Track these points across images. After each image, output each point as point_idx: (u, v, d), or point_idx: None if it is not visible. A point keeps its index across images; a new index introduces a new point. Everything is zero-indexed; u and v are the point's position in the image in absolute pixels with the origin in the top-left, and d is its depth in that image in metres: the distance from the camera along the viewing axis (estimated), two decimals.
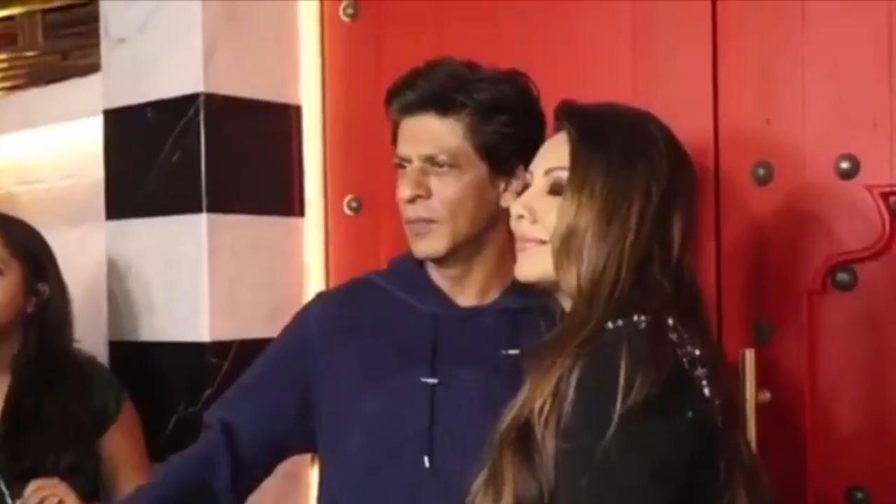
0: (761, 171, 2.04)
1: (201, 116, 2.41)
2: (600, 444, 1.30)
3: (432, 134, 1.71)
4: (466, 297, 1.79)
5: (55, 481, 2.01)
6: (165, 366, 2.48)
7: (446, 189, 1.71)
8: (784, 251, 2.03)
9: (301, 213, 2.59)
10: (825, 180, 1.99)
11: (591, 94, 2.14)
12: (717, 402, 1.40)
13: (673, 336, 1.38)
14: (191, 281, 2.43)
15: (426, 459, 1.70)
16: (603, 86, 2.19)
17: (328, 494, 1.83)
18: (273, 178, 2.54)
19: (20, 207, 3.04)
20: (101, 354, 2.57)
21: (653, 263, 1.44)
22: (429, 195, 1.71)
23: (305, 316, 1.89)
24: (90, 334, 2.66)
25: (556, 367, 1.38)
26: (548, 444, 1.37)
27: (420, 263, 1.82)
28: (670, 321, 1.39)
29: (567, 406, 1.35)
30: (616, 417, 1.30)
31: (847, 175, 1.97)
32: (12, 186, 3.13)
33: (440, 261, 1.76)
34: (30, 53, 3.19)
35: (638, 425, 1.30)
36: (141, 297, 2.54)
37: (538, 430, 1.38)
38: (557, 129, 1.56)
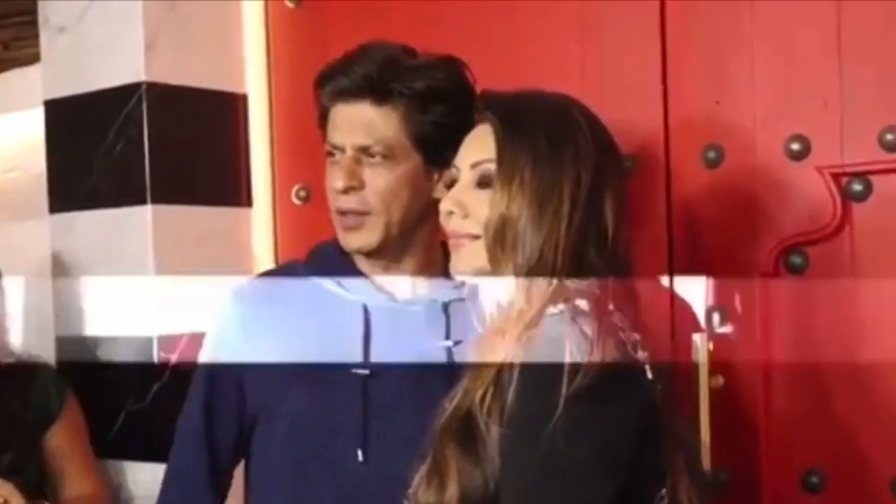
0: (711, 154, 2.02)
1: (144, 106, 2.37)
2: (546, 429, 1.28)
3: (367, 123, 1.66)
4: (399, 289, 1.75)
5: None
6: (113, 361, 2.43)
7: (380, 180, 1.66)
8: (736, 234, 2.01)
9: (249, 203, 2.55)
10: (776, 162, 1.97)
11: (538, 78, 2.10)
12: (658, 385, 1.39)
13: (615, 319, 1.37)
14: (136, 274, 2.39)
15: (360, 453, 1.66)
16: (550, 70, 2.16)
17: (259, 492, 1.78)
18: (219, 168, 2.50)
19: None
20: (49, 350, 2.53)
21: (588, 248, 1.43)
22: (362, 186, 1.66)
23: (223, 320, 1.81)
24: (37, 329, 2.63)
25: (496, 355, 1.36)
26: (492, 433, 1.35)
27: (344, 252, 1.77)
28: (611, 305, 1.38)
29: (511, 393, 1.33)
30: (561, 402, 1.28)
31: (798, 156, 1.95)
32: None
33: (370, 253, 1.72)
34: None
35: (584, 409, 1.29)
36: (87, 292, 2.49)
37: (481, 421, 1.36)
38: (479, 121, 1.53)
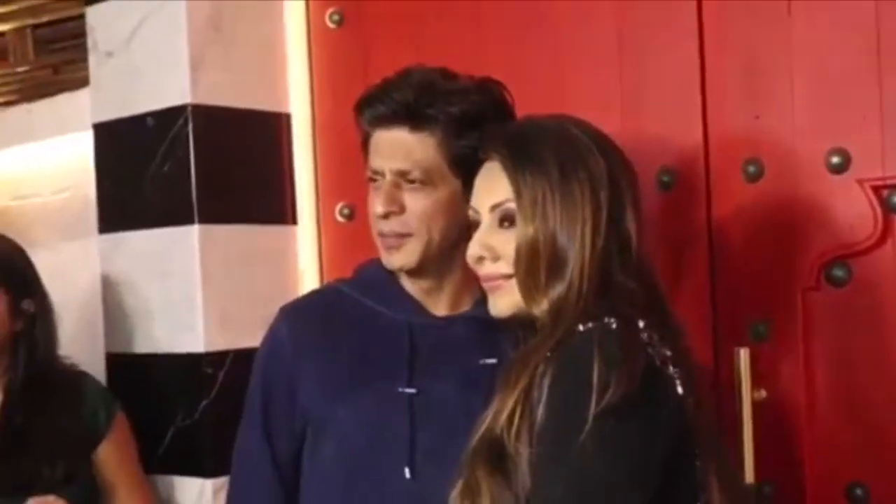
0: (751, 168, 2.02)
1: (190, 127, 2.40)
2: (575, 446, 1.30)
3: (405, 148, 1.69)
4: (439, 307, 1.79)
5: (52, 498, 2.01)
6: (162, 377, 2.47)
7: (419, 204, 1.70)
8: (777, 248, 2.01)
9: (294, 221, 2.58)
10: (816, 175, 1.97)
11: (578, 98, 2.17)
12: (690, 400, 1.39)
13: (644, 336, 1.39)
14: (184, 292, 2.43)
15: (407, 470, 1.69)
16: (589, 90, 2.18)
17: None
18: (264, 187, 2.54)
19: (16, 222, 3.04)
20: (99, 367, 2.57)
21: (613, 266, 1.45)
22: (402, 210, 1.70)
23: (274, 339, 1.86)
24: (88, 347, 2.67)
25: (523, 376, 1.38)
26: (521, 454, 1.36)
27: (390, 271, 1.81)
28: (641, 322, 1.39)
29: (539, 411, 1.34)
30: (590, 418, 1.30)
31: (838, 169, 1.95)
32: (8, 201, 3.13)
33: (412, 272, 1.75)
34: (21, 69, 3.18)
35: (613, 425, 1.30)
36: (136, 309, 2.53)
37: (510, 442, 1.37)
38: (485, 159, 1.54)
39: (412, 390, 1.71)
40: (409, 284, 1.79)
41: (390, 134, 1.70)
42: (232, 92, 2.48)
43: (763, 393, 1.99)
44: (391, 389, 1.71)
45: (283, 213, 2.57)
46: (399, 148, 1.69)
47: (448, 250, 1.73)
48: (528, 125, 1.54)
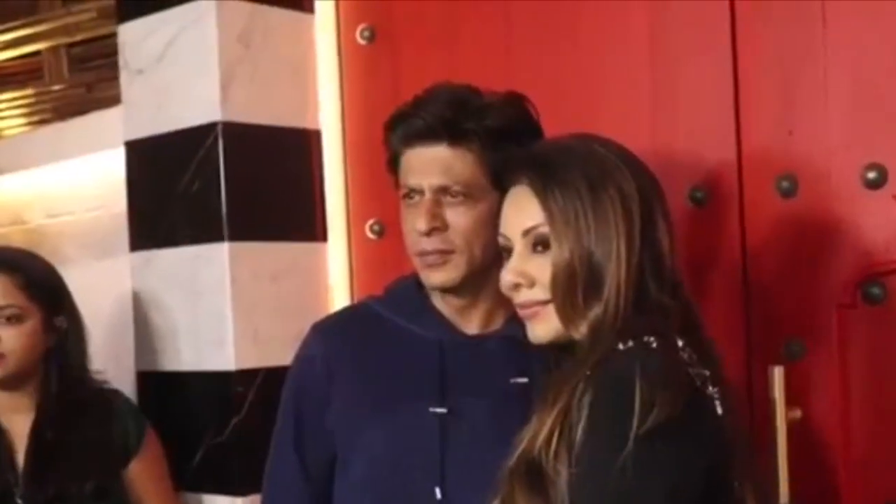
0: (785, 184, 2.00)
1: (220, 145, 2.41)
2: (616, 467, 1.28)
3: (444, 164, 1.69)
4: (471, 326, 1.78)
5: None
6: (192, 395, 2.47)
7: (462, 219, 1.69)
8: (812, 265, 1.98)
9: (324, 238, 2.57)
10: (852, 191, 1.94)
11: (609, 114, 2.15)
12: (728, 419, 1.38)
13: (684, 355, 1.37)
14: (215, 310, 2.43)
15: (437, 491, 1.67)
16: (621, 106, 2.17)
17: None
18: (295, 204, 2.53)
19: (49, 240, 3.06)
20: (129, 384, 2.58)
21: (647, 281, 1.43)
22: (445, 227, 1.69)
23: (307, 358, 1.86)
24: (119, 365, 2.67)
25: (562, 397, 1.36)
26: (560, 474, 1.34)
27: (421, 288, 1.80)
28: (679, 341, 1.38)
29: (579, 431, 1.33)
30: (632, 438, 1.28)
31: (874, 185, 1.92)
32: (41, 219, 3.15)
33: (449, 290, 1.74)
34: (56, 87, 3.21)
35: (655, 447, 1.28)
36: (166, 327, 2.53)
37: (548, 463, 1.35)
38: (510, 185, 1.52)
39: (443, 409, 1.70)
40: (441, 303, 1.78)
41: (428, 151, 1.70)
42: (262, 109, 2.48)
43: (798, 412, 1.96)
44: (422, 409, 1.70)
45: (313, 229, 2.56)
46: (438, 164, 1.69)
47: (487, 267, 1.71)
48: (551, 146, 1.52)
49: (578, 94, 2.22)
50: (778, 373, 1.95)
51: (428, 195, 1.70)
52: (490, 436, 1.66)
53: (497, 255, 1.69)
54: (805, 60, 1.98)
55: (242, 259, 2.43)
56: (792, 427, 1.95)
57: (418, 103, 1.72)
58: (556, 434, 1.35)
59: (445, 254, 1.70)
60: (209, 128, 2.42)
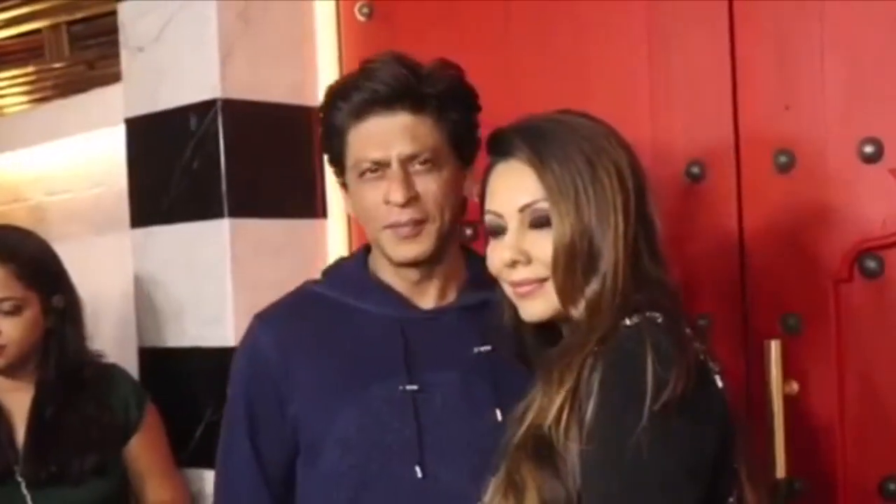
0: (783, 159, 2.00)
1: (219, 122, 2.41)
2: (630, 442, 1.27)
3: (410, 132, 1.64)
4: (426, 300, 1.74)
5: None
6: (193, 371, 2.48)
7: (432, 187, 1.65)
8: (809, 240, 1.99)
9: (324, 215, 2.58)
10: (848, 165, 1.94)
11: (606, 90, 2.15)
12: (727, 393, 1.39)
13: (688, 330, 1.37)
14: (215, 286, 2.44)
15: (418, 469, 1.64)
16: (619, 79, 2.17)
17: None
18: (294, 181, 2.54)
19: (49, 218, 3.07)
20: (132, 361, 2.59)
21: (642, 254, 1.42)
22: (418, 196, 1.64)
23: (256, 348, 1.77)
24: (122, 341, 2.69)
25: (569, 373, 1.35)
26: (570, 450, 1.33)
27: (366, 267, 1.76)
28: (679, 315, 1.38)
29: (590, 407, 1.32)
30: (646, 414, 1.27)
31: (871, 159, 1.92)
32: (42, 197, 3.16)
33: (417, 262, 1.69)
34: (57, 65, 3.22)
35: (668, 422, 1.28)
36: (167, 304, 2.54)
37: (558, 439, 1.34)
38: (500, 158, 1.49)
39: (414, 387, 1.66)
40: (393, 279, 1.73)
41: (389, 120, 1.64)
42: (261, 86, 2.48)
43: (795, 386, 1.97)
44: (392, 388, 1.66)
45: (312, 206, 2.57)
46: (403, 131, 1.63)
47: (449, 238, 1.69)
48: (540, 120, 1.48)
49: (576, 70, 2.21)
50: (774, 347, 1.96)
51: (395, 165, 1.64)
52: (463, 408, 1.65)
53: (457, 223, 1.70)
54: (801, 35, 1.98)
55: (242, 235, 2.44)
56: (788, 401, 1.96)
57: (369, 72, 1.66)
58: (566, 410, 1.34)
59: (419, 223, 1.65)
60: (208, 105, 2.42)
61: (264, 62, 2.48)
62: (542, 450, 1.36)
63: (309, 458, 1.72)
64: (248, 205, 2.45)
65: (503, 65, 2.30)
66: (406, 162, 1.64)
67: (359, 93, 1.65)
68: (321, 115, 1.74)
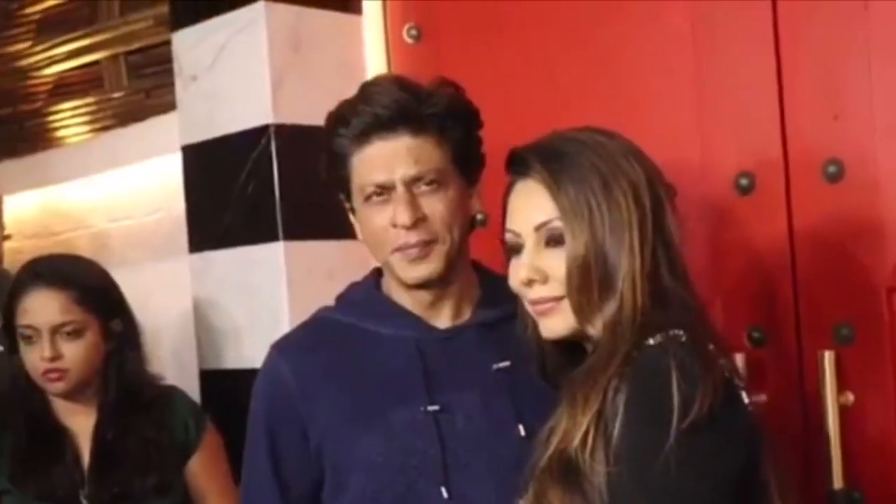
0: (832, 169, 1.99)
1: (273, 147, 2.45)
2: (657, 463, 1.27)
3: (413, 154, 1.64)
4: (442, 320, 1.74)
5: None
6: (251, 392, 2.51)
7: (438, 207, 1.65)
8: (859, 249, 1.98)
9: None
10: None
11: (653, 106, 2.16)
12: (753, 408, 1.39)
13: (711, 347, 1.36)
14: (271, 308, 2.47)
15: (443, 490, 1.63)
16: (665, 91, 2.17)
17: None
18: (342, 206, 2.55)
19: (111, 244, 3.14)
20: (194, 383, 2.64)
21: (661, 272, 1.42)
22: (425, 217, 1.64)
23: (275, 379, 1.77)
24: (182, 364, 2.73)
25: (594, 394, 1.35)
26: (596, 472, 1.33)
27: (379, 290, 1.77)
28: (703, 332, 1.38)
29: (616, 428, 1.32)
30: (673, 434, 1.27)
31: None
32: (104, 224, 3.22)
33: (428, 283, 1.69)
34: (116, 95, 3.28)
35: (698, 440, 1.28)
36: (226, 326, 2.59)
37: (584, 461, 1.34)
38: (518, 178, 1.50)
39: (435, 407, 1.66)
40: (407, 300, 1.73)
41: (390, 143, 1.64)
42: (313, 110, 2.49)
43: (850, 397, 1.96)
44: (414, 410, 1.66)
45: None
46: (406, 153, 1.64)
47: (459, 257, 1.70)
48: (558, 139, 1.49)
49: (622, 85, 2.22)
50: (828, 358, 1.95)
51: (400, 188, 1.64)
52: (485, 425, 1.65)
53: (466, 241, 1.70)
54: (848, 43, 1.97)
55: (297, 258, 2.47)
56: (844, 412, 1.95)
57: (367, 95, 1.67)
58: (591, 433, 1.34)
59: (428, 245, 1.65)
60: (261, 130, 2.47)
61: (315, 87, 2.52)
62: (568, 474, 1.36)
63: (334, 486, 1.72)
64: (301, 227, 2.48)
65: (549, 82, 2.32)
66: (411, 184, 1.65)
67: (359, 118, 1.66)
68: (323, 141, 1.75)
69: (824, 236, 2.01)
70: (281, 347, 1.81)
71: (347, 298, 1.83)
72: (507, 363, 1.68)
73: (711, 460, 1.30)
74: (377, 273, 1.82)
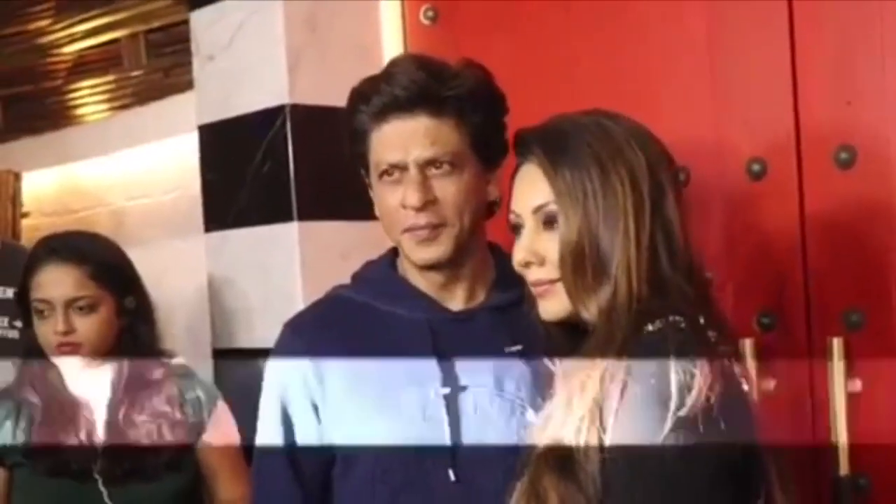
0: (844, 155, 1.99)
1: (288, 127, 2.46)
2: (655, 451, 1.27)
3: (429, 135, 1.64)
4: (455, 302, 1.74)
5: None
6: (263, 371, 2.52)
7: (450, 191, 1.65)
8: (871, 235, 1.98)
9: None
10: None
11: (668, 91, 2.16)
12: (753, 395, 1.39)
13: (711, 334, 1.36)
14: (285, 288, 2.49)
15: (451, 473, 1.63)
16: (680, 75, 2.17)
17: None
18: (362, 184, 2.56)
19: (129, 222, 3.16)
20: (207, 361, 2.66)
21: (660, 259, 1.41)
22: (436, 200, 1.64)
23: (287, 357, 1.77)
24: (197, 342, 2.75)
25: (590, 381, 1.35)
26: (591, 460, 1.33)
27: (395, 270, 1.77)
28: (701, 319, 1.37)
29: (612, 416, 1.32)
30: (669, 423, 1.27)
31: None
32: (121, 202, 3.25)
33: (437, 266, 1.69)
34: (135, 73, 3.30)
35: (693, 429, 1.28)
36: (240, 306, 2.60)
37: (578, 450, 1.34)
38: (521, 162, 1.50)
39: (446, 390, 1.66)
40: (421, 281, 1.73)
41: (407, 123, 1.64)
42: (329, 91, 2.52)
43: (858, 383, 1.96)
44: (424, 392, 1.66)
45: None
46: (422, 135, 1.63)
47: (472, 237, 1.69)
48: (561, 123, 1.49)
49: (637, 69, 2.22)
50: (837, 344, 1.96)
51: (413, 170, 1.64)
52: (496, 409, 1.65)
53: (481, 223, 1.70)
54: (862, 29, 1.97)
55: (311, 238, 2.48)
56: (853, 398, 1.96)
57: (389, 74, 1.67)
58: (586, 419, 1.34)
59: (437, 227, 1.65)
60: (277, 111, 2.48)
61: (331, 67, 2.53)
62: (563, 461, 1.35)
63: (344, 465, 1.73)
64: (317, 208, 2.50)
65: (565, 65, 2.32)
66: (424, 166, 1.65)
67: (379, 97, 1.66)
68: (345, 116, 1.76)
69: (835, 222, 2.01)
70: (294, 326, 1.81)
71: (362, 277, 1.83)
72: (519, 347, 1.67)
73: (710, 449, 1.29)
74: (393, 253, 1.81)
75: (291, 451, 1.76)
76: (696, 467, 1.29)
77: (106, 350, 2.22)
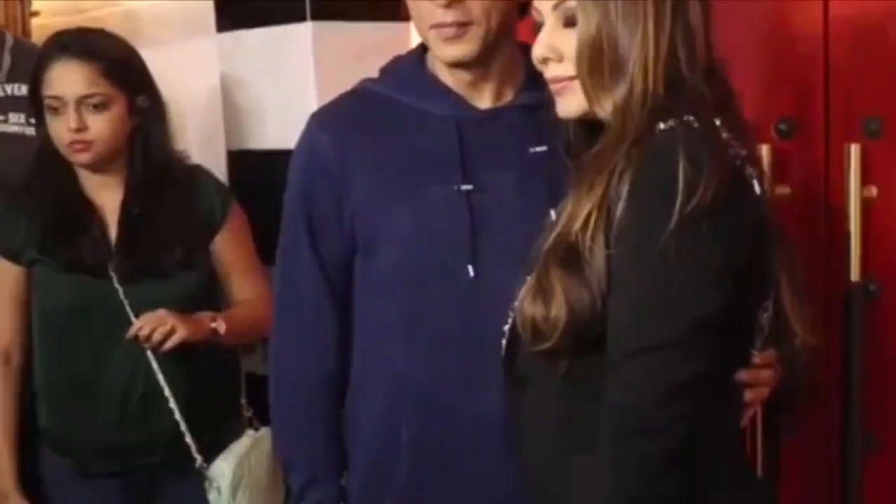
0: (874, 125, 1.95)
1: None
2: (658, 246, 1.28)
3: None
4: (483, 100, 1.72)
5: (163, 312, 2.12)
6: (279, 173, 2.51)
7: None
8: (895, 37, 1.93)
9: (408, 18, 2.52)
10: None
11: None
12: (765, 198, 1.38)
13: (725, 136, 1.35)
14: (299, 89, 2.47)
15: (470, 269, 1.66)
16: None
17: (367, 315, 1.76)
18: None
19: (140, 22, 3.10)
20: (221, 163, 2.66)
21: (679, 61, 1.38)
22: None
23: (313, 147, 1.77)
24: (210, 143, 2.75)
25: (600, 177, 1.35)
26: (596, 255, 1.34)
27: (423, 65, 1.75)
28: (717, 121, 1.36)
29: (619, 211, 1.32)
30: (675, 218, 1.27)
31: None
32: (132, 1, 3.19)
33: (464, 64, 1.67)
34: None
35: (700, 227, 1.28)
36: (253, 107, 2.59)
37: (584, 245, 1.35)
38: None
39: (469, 186, 1.67)
40: (449, 78, 1.71)
41: None
42: None
43: (874, 190, 1.96)
44: (447, 188, 1.67)
45: (397, 9, 2.52)
46: None
47: (498, 40, 1.66)
48: None
49: None
50: (854, 151, 1.94)
51: None
52: (517, 208, 1.65)
53: (511, 27, 1.67)
54: None
55: (325, 39, 2.45)
56: (867, 205, 1.95)
57: None
58: (594, 215, 1.35)
59: (463, 25, 1.62)
60: None
61: None
62: (569, 256, 1.37)
63: (366, 254, 1.74)
64: (331, 8, 2.45)
65: None
66: None
67: None
68: None
69: (860, 27, 1.96)
70: (320, 119, 1.81)
71: (390, 71, 1.82)
72: (544, 147, 1.66)
73: (712, 246, 1.30)
74: (423, 49, 1.79)
75: (315, 239, 1.78)
76: (697, 264, 1.30)
77: (119, 149, 2.21)
